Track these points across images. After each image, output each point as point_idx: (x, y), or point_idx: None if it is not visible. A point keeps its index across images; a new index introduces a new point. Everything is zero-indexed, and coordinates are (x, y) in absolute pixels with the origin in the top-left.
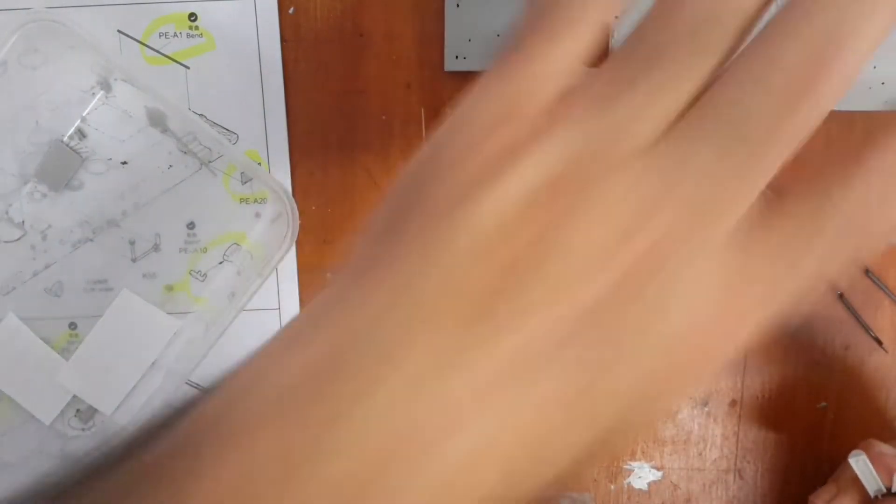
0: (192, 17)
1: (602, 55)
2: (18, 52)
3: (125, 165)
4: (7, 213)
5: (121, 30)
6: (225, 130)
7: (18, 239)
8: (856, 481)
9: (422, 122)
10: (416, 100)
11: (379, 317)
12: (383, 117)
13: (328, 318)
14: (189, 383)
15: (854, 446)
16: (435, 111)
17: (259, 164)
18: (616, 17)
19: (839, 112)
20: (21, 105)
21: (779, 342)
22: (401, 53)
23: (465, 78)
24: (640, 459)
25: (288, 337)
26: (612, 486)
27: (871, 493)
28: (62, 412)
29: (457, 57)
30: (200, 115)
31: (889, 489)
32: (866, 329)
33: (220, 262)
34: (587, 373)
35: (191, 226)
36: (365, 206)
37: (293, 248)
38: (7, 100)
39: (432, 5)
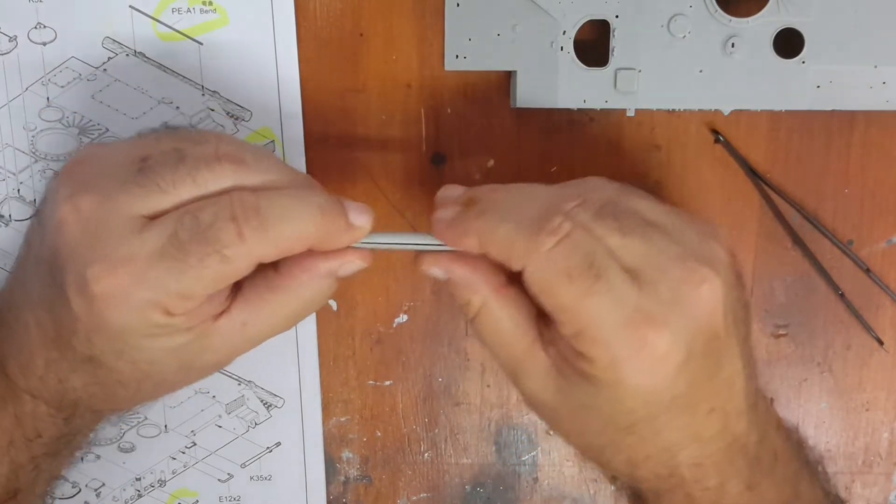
0: None
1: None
2: (28, 27)
3: None
4: (18, 191)
5: (132, 5)
6: (238, 107)
7: (30, 217)
8: None
9: (422, 122)
10: (416, 100)
11: None
12: (383, 117)
13: None
14: None
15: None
16: (435, 111)
17: (273, 140)
18: (616, 16)
19: (839, 112)
20: (31, 81)
21: (779, 342)
22: (401, 53)
23: (465, 77)
24: None
25: None
26: (613, 487)
27: None
28: None
29: (457, 57)
30: (214, 91)
31: None
32: (867, 329)
33: None
34: None
35: None
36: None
37: None
38: (17, 76)
39: (432, 5)
